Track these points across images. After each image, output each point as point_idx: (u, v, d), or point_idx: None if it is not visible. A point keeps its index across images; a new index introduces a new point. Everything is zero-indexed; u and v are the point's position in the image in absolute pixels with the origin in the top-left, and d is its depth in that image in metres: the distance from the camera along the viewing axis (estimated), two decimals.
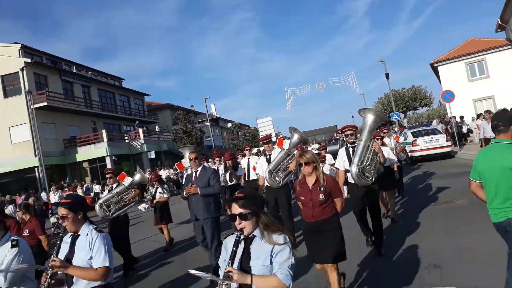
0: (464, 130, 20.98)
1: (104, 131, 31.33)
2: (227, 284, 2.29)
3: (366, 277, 5.16)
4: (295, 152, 7.22)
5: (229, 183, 9.63)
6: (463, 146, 20.53)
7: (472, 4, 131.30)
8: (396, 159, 8.81)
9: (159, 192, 8.98)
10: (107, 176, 7.56)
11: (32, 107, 27.00)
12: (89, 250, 3.03)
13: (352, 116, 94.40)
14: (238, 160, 10.37)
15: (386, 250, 6.06)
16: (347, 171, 6.13)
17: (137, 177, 7.57)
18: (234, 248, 2.40)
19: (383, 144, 8.16)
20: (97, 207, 7.15)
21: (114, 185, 7.42)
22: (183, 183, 6.81)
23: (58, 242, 3.08)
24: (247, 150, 10.16)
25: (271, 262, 2.39)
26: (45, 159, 27.31)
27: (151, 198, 9.03)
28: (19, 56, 29.88)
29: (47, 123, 29.46)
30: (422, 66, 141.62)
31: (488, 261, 4.91)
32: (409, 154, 18.23)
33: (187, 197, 6.14)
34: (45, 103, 28.30)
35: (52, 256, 2.95)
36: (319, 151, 11.03)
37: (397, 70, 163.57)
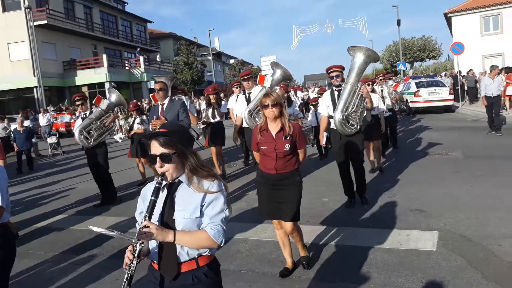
0: (472, 85, 20.51)
1: (104, 56, 30.81)
2: (142, 243, 1.83)
3: (347, 219, 5.30)
4: (278, 90, 6.71)
5: (211, 120, 8.38)
6: (466, 101, 20.37)
7: None
8: (385, 109, 8.18)
9: (137, 123, 8.30)
10: (78, 103, 6.87)
11: (31, 24, 26.30)
12: None
13: None
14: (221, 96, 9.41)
15: (371, 195, 6.13)
16: (330, 117, 5.53)
17: (113, 97, 6.98)
18: (153, 198, 1.90)
19: (373, 91, 7.68)
20: (76, 134, 6.67)
21: (87, 112, 6.84)
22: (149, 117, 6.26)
23: None
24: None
25: (201, 215, 1.92)
26: (44, 80, 27.06)
27: (128, 128, 8.45)
28: None
29: (47, 43, 28.85)
30: (435, 17, 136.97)
31: (473, 211, 5.03)
32: (410, 105, 18.11)
33: None
34: (45, 21, 27.54)
35: None
36: (318, 95, 10.74)
37: (409, 18, 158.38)
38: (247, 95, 7.07)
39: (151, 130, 5.50)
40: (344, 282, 3.56)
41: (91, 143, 6.65)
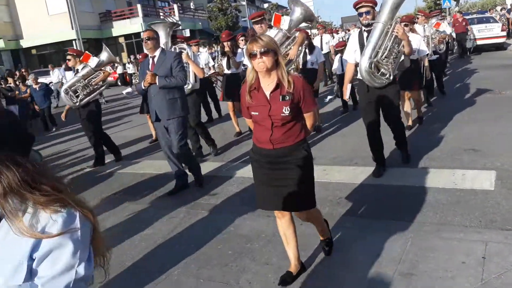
0: None
1: (139, 6, 30.55)
2: None
3: (397, 159, 5.15)
4: (297, 34, 5.62)
5: (226, 71, 7.42)
6: None
7: None
8: (429, 52, 7.18)
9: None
10: (67, 59, 6.46)
11: None
12: None
13: None
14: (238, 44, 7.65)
15: (421, 135, 5.93)
16: (358, 64, 4.54)
17: (104, 56, 6.37)
18: None
19: (412, 31, 6.44)
20: (62, 93, 6.26)
21: (79, 68, 6.34)
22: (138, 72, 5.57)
23: None
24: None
25: (30, 277, 1.12)
26: (82, 32, 27.34)
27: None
28: None
29: None
30: None
31: None
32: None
33: (145, 90, 4.73)
34: None
35: None
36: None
37: None
38: None
39: (143, 87, 4.68)
40: (398, 221, 3.51)
41: (77, 103, 6.15)
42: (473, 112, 7.05)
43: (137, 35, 30.20)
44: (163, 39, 5.38)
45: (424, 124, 6.60)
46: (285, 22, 5.32)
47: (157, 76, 4.52)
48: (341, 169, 5.07)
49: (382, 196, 4.12)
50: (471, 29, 16.08)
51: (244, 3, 40.03)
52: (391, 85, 4.44)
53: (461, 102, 7.94)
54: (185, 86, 5.26)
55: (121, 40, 31.12)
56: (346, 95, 5.21)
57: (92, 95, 6.27)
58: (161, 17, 33.79)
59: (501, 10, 22.94)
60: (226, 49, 7.22)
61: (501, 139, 5.35)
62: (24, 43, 29.00)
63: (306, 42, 6.63)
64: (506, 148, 4.94)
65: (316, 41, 11.64)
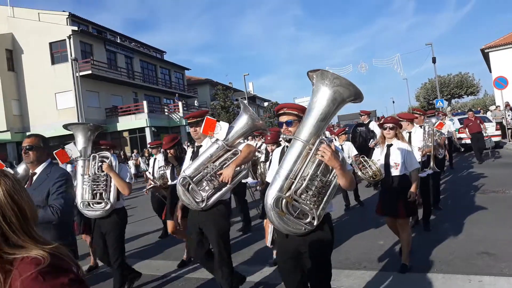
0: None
1: (145, 102, 31.89)
2: None
3: (415, 258, 4.96)
4: (241, 147, 4.01)
5: (170, 182, 6.18)
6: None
7: None
8: (421, 164, 5.68)
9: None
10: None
11: (77, 74, 27.79)
12: None
13: (393, 102, 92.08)
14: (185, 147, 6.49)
15: (433, 233, 5.79)
16: None
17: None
18: None
19: (399, 138, 4.88)
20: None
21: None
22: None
23: None
24: None
25: None
26: None
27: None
28: (67, 24, 30.55)
29: (91, 91, 30.24)
30: (470, 53, 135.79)
31: None
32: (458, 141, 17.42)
33: None
34: (89, 72, 29.00)
35: None
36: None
37: (443, 56, 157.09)
38: (195, 148, 4.34)
39: None
40: None
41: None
42: (480, 211, 6.94)
43: (142, 130, 31.21)
44: (80, 144, 4.53)
45: (434, 224, 6.43)
46: (221, 130, 3.94)
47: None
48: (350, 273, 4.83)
49: None
50: (485, 128, 14.35)
51: (245, 101, 41.81)
52: (317, 231, 2.84)
53: (466, 202, 7.85)
54: (101, 207, 4.43)
55: (125, 134, 31.99)
56: (268, 241, 4.54)
57: None
58: (166, 113, 35.12)
59: (496, 108, 21.83)
60: (169, 155, 5.94)
61: None
62: None
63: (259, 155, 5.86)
64: None
65: None
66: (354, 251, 5.55)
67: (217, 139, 3.92)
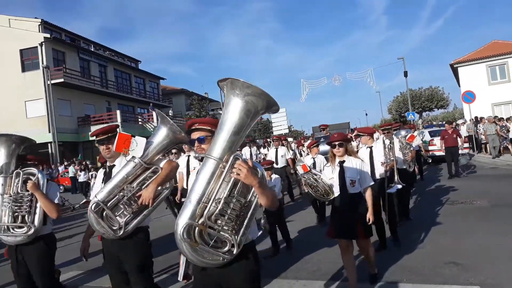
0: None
1: (118, 112, 31.48)
2: None
3: (384, 268, 5.01)
4: (163, 163, 3.52)
5: None
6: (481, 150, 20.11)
7: (495, 5, 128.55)
8: (386, 179, 5.96)
9: None
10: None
11: (49, 82, 27.21)
12: None
13: (366, 114, 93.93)
14: None
15: (402, 243, 5.88)
16: None
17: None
18: None
19: (350, 153, 4.62)
20: None
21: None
22: None
23: None
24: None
25: None
26: (59, 135, 27.55)
27: None
28: (39, 31, 30.00)
29: (62, 100, 29.64)
30: (440, 68, 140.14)
31: None
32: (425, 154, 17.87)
33: None
34: (61, 80, 28.49)
35: None
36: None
37: (415, 70, 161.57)
38: (107, 169, 3.70)
39: None
40: None
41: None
42: (449, 221, 7.09)
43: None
44: (2, 159, 3.89)
45: (402, 235, 6.52)
46: (137, 145, 3.35)
47: None
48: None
49: None
50: (462, 142, 14.17)
51: (221, 112, 41.77)
52: (241, 261, 2.45)
53: (435, 213, 8.00)
54: (23, 231, 3.75)
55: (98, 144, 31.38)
56: (180, 275, 4.19)
57: None
58: (139, 123, 34.69)
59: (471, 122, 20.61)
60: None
61: (480, 250, 5.31)
62: None
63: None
64: (487, 261, 4.87)
65: (270, 154, 11.37)
66: (325, 261, 5.57)
67: (133, 157, 3.37)
